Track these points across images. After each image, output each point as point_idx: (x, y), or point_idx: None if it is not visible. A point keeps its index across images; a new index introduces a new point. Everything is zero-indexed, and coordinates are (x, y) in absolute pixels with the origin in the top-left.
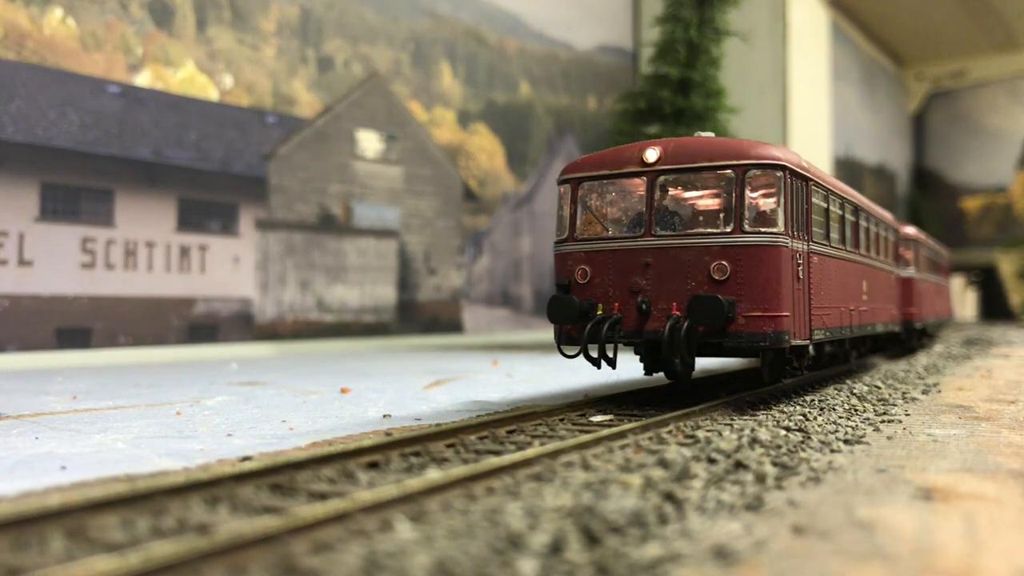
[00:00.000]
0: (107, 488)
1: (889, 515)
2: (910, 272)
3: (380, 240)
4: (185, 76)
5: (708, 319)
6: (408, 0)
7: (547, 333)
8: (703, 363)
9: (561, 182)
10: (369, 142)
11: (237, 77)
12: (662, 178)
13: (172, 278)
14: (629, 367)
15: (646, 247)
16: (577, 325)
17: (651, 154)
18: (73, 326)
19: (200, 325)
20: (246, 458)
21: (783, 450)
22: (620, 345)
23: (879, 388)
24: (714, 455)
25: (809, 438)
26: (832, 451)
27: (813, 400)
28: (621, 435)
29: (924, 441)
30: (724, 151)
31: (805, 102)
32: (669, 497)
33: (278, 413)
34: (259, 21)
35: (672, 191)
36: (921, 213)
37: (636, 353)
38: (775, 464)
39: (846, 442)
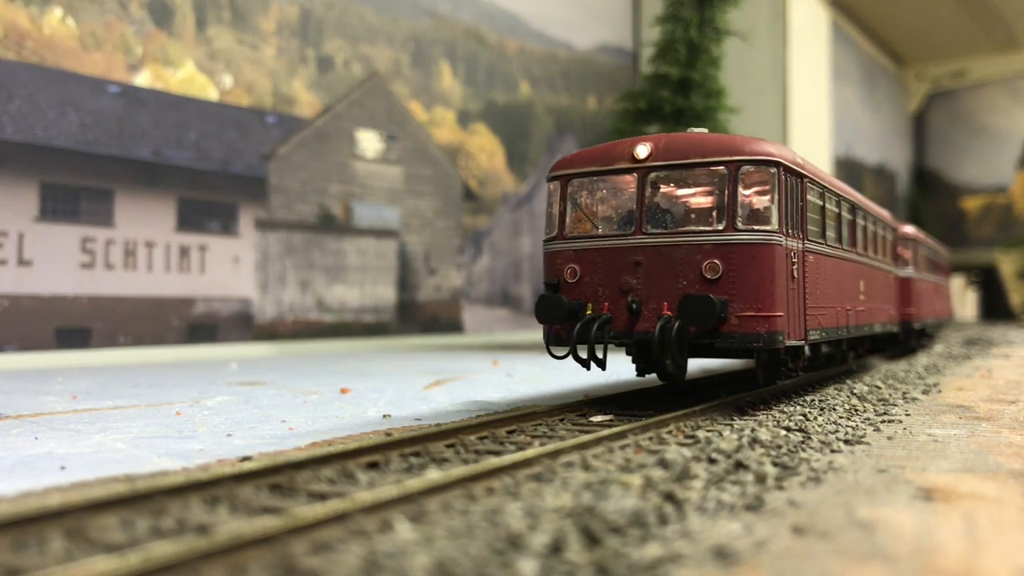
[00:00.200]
0: (107, 488)
1: (889, 515)
2: (909, 272)
3: (380, 240)
4: (185, 76)
5: (699, 319)
6: (408, 0)
7: None
8: (703, 363)
9: (550, 179)
10: (369, 142)
11: (237, 77)
12: (653, 175)
13: (172, 278)
14: (627, 367)
15: (636, 245)
16: (566, 325)
17: (642, 150)
18: (73, 326)
19: (200, 325)
20: (246, 458)
21: (783, 450)
22: (612, 346)
23: (879, 388)
24: (714, 455)
25: (809, 438)
26: (832, 451)
27: (813, 400)
28: (621, 435)
29: (924, 441)
30: (717, 147)
31: (805, 102)
32: (669, 497)
33: (278, 413)
34: (259, 21)
35: (664, 188)
36: (921, 213)
37: (628, 354)
38: (775, 464)
39: (846, 442)
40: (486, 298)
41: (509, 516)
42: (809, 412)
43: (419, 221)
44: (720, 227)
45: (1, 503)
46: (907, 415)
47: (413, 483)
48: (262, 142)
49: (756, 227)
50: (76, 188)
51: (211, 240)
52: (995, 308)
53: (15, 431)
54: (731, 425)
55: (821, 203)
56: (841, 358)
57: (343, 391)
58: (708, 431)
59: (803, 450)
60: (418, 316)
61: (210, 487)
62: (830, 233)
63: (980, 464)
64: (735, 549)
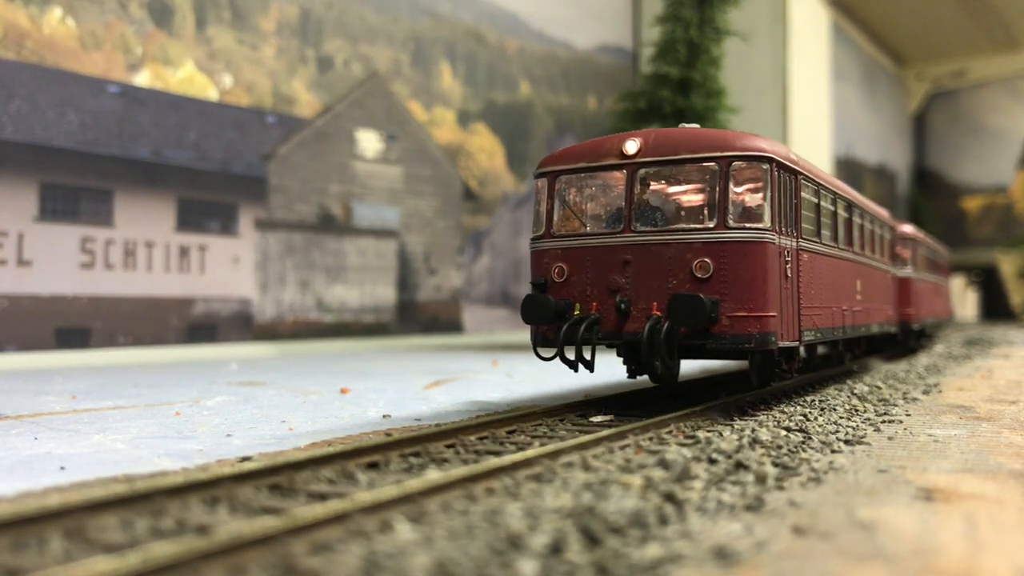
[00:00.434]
0: (106, 488)
1: (890, 515)
2: (907, 272)
3: (380, 240)
4: (185, 76)
5: (689, 319)
6: (408, 0)
7: None
8: (704, 363)
9: (537, 175)
10: (369, 142)
11: (237, 77)
12: (642, 171)
13: (171, 278)
14: (623, 368)
15: (625, 244)
16: (553, 326)
17: (631, 146)
18: (72, 326)
19: (199, 325)
20: (245, 458)
21: (784, 450)
22: (603, 347)
23: (880, 388)
24: (715, 455)
25: (810, 438)
26: (833, 451)
27: (814, 400)
28: (621, 435)
29: (925, 441)
30: (707, 142)
31: (805, 102)
32: (669, 498)
33: (278, 413)
34: (259, 21)
35: (653, 185)
36: (922, 213)
37: (619, 355)
38: (776, 464)
39: (847, 442)
40: (486, 298)
41: (509, 516)
42: (809, 412)
43: (419, 221)
44: (711, 225)
45: (1, 503)
46: (908, 415)
47: (413, 483)
48: (262, 142)
49: (748, 225)
50: (76, 188)
51: (211, 240)
52: (995, 308)
53: (15, 431)
54: (731, 425)
55: (816, 201)
56: (838, 359)
57: (343, 391)
58: (708, 431)
59: (803, 450)
60: (418, 316)
61: (210, 487)
62: (825, 232)
63: (981, 464)
64: (735, 549)
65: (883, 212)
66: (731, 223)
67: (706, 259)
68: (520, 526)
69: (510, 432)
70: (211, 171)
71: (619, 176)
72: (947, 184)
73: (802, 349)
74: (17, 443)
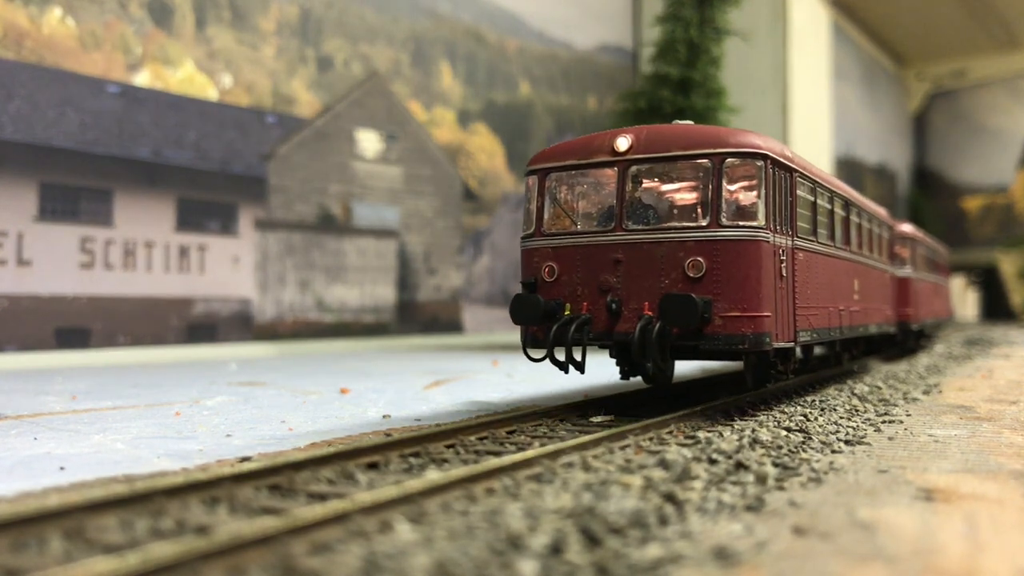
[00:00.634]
0: (106, 489)
1: (890, 516)
2: (906, 271)
3: (380, 240)
4: (184, 76)
5: (681, 320)
6: (408, 0)
7: None
8: (704, 364)
9: (528, 173)
10: (369, 142)
11: (236, 77)
12: (634, 168)
13: (171, 278)
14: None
15: (616, 242)
16: (543, 326)
17: (622, 142)
18: (72, 326)
19: (199, 325)
20: (245, 459)
21: (784, 451)
22: (596, 348)
23: (880, 388)
24: (715, 456)
25: (810, 439)
26: (833, 452)
27: (814, 401)
28: (621, 436)
29: (925, 441)
30: (700, 139)
31: (806, 102)
32: (670, 498)
33: (277, 413)
34: (258, 20)
35: (646, 182)
36: (922, 213)
37: (611, 356)
38: (776, 465)
39: (847, 443)
40: (486, 298)
41: (509, 517)
42: (810, 412)
43: (419, 221)
44: (704, 223)
45: (0, 503)
46: (908, 415)
47: (413, 484)
48: (262, 142)
49: (742, 223)
50: (75, 188)
51: (211, 240)
52: (996, 308)
53: (14, 431)
54: (731, 425)
55: (812, 199)
56: (836, 360)
57: (343, 391)
58: (708, 431)
59: (804, 450)
60: (418, 316)
61: (209, 488)
62: (822, 230)
63: (981, 464)
64: (736, 550)
65: (881, 211)
66: (724, 221)
67: (699, 258)
68: (520, 526)
69: (510, 432)
70: (211, 171)
71: (610, 173)
72: (947, 184)
73: (798, 350)
74: (17, 443)
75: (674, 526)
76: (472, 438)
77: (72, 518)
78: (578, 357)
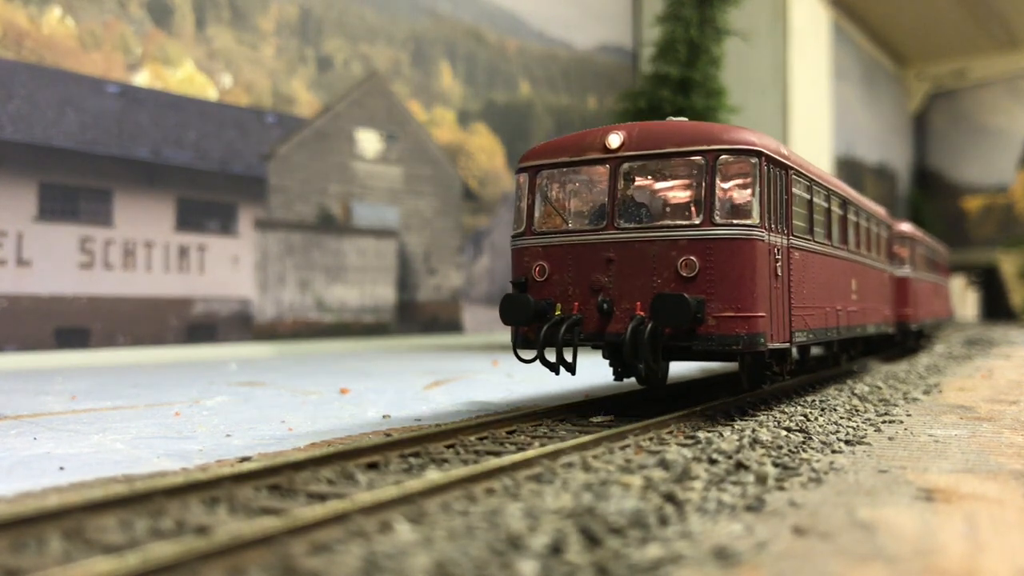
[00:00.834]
0: (105, 489)
1: (890, 516)
2: (905, 271)
3: (379, 240)
4: (184, 76)
5: (674, 320)
6: (408, 0)
7: None
8: (703, 364)
9: (519, 170)
10: (369, 142)
11: (236, 77)
12: (626, 165)
13: (171, 278)
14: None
15: (608, 241)
16: (534, 327)
17: (614, 139)
18: (72, 326)
19: (199, 325)
20: (245, 459)
21: (784, 451)
22: (589, 348)
23: (880, 388)
24: (715, 456)
25: (810, 438)
26: (833, 452)
27: (814, 400)
28: (621, 436)
29: (925, 441)
30: (693, 135)
31: (806, 101)
32: (670, 498)
33: (277, 414)
34: (258, 20)
35: (638, 180)
36: (922, 213)
37: (604, 357)
38: (776, 465)
39: (847, 443)
40: (486, 298)
41: (509, 517)
42: (810, 412)
43: (419, 221)
44: (697, 221)
45: (0, 503)
46: (908, 415)
47: (413, 484)
48: (261, 142)
49: (736, 221)
50: (75, 188)
51: (210, 240)
52: (996, 308)
53: (14, 431)
54: (732, 425)
55: (808, 197)
56: (833, 361)
57: (343, 391)
58: (708, 431)
59: (804, 450)
60: (418, 316)
61: (209, 488)
62: (818, 229)
63: (981, 465)
64: (736, 550)
65: (880, 210)
66: (718, 219)
67: (692, 257)
68: (520, 526)
69: (510, 432)
70: (210, 171)
71: (602, 171)
72: (947, 184)
73: (794, 351)
74: (16, 443)
75: (674, 526)
76: (472, 438)
77: (71, 518)
78: (569, 358)
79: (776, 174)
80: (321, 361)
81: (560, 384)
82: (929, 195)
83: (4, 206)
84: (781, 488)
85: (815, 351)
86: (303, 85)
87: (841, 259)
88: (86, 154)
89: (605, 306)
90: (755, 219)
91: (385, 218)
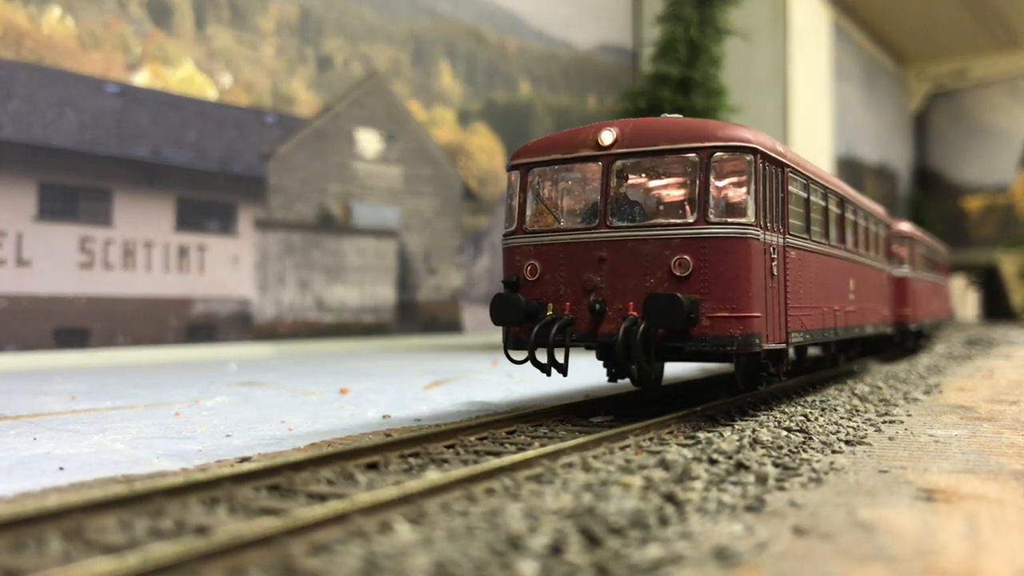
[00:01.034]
0: (105, 489)
1: (891, 516)
2: (904, 271)
3: (379, 240)
4: (184, 75)
5: (667, 320)
6: None
7: None
8: (703, 365)
9: (510, 168)
10: (368, 142)
11: (236, 76)
12: (619, 163)
13: (171, 278)
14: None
15: (600, 240)
16: (525, 327)
17: (607, 136)
18: (71, 326)
19: (199, 325)
20: (245, 459)
21: (784, 451)
22: (582, 349)
23: (880, 389)
24: (715, 456)
25: (810, 439)
26: (833, 452)
27: (814, 401)
28: (621, 436)
29: (926, 442)
30: (687, 132)
31: (806, 101)
32: (670, 498)
33: (277, 414)
34: (258, 20)
35: (632, 177)
36: (922, 213)
37: (598, 358)
38: (776, 465)
39: (847, 443)
40: (486, 298)
41: (509, 517)
42: (810, 413)
43: (419, 221)
44: (691, 220)
45: (0, 504)
46: (908, 416)
47: (413, 484)
48: (261, 142)
49: (730, 220)
50: (75, 188)
51: (210, 240)
52: (996, 308)
53: (14, 432)
54: (732, 426)
55: (805, 195)
56: (831, 361)
57: (343, 391)
58: (709, 432)
59: (804, 451)
60: (418, 316)
61: (209, 488)
62: (815, 228)
63: (982, 465)
64: (736, 550)
65: (878, 209)
66: (712, 218)
67: (685, 256)
68: (520, 527)
69: (510, 432)
70: (210, 171)
71: (595, 168)
72: (948, 184)
73: (791, 351)
74: (16, 443)
75: (674, 526)
76: (472, 438)
77: (71, 518)
78: (561, 359)
79: (772, 172)
80: (321, 361)
81: (560, 384)
82: (929, 195)
83: (4, 206)
84: (781, 488)
85: (812, 352)
86: (303, 85)
87: (838, 258)
88: (86, 154)
89: (597, 306)
90: (750, 217)
91: (385, 218)
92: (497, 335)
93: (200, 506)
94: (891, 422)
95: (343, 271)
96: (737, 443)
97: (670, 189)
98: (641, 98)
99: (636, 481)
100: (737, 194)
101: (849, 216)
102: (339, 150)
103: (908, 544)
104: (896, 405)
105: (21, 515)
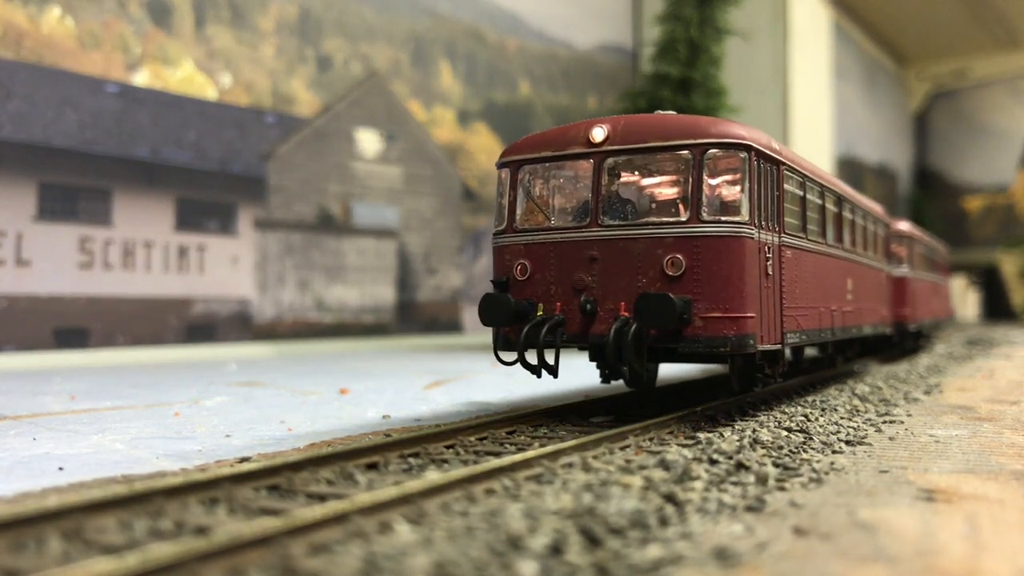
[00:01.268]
0: (105, 489)
1: (891, 516)
2: (903, 271)
3: (379, 240)
4: (183, 75)
5: (659, 321)
6: None
7: None
8: (703, 365)
9: (499, 165)
10: (368, 142)
11: (236, 76)
12: (611, 160)
13: (170, 278)
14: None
15: (591, 239)
16: (515, 328)
17: (598, 133)
18: (71, 326)
19: (198, 325)
20: (244, 459)
21: (785, 451)
22: (575, 350)
23: (881, 389)
24: (715, 456)
25: (811, 439)
26: (834, 452)
27: (815, 401)
28: (621, 436)
29: (926, 442)
30: (680, 129)
31: (806, 101)
32: (670, 498)
33: (277, 414)
34: (258, 20)
35: (624, 175)
36: (923, 213)
37: (591, 359)
38: (777, 465)
39: (848, 443)
40: None
41: (509, 517)
42: (810, 413)
43: (419, 221)
44: (683, 218)
45: None
46: (909, 416)
47: (412, 484)
48: (261, 142)
49: (724, 218)
50: (74, 188)
51: (210, 240)
52: (997, 308)
53: (13, 432)
54: (732, 426)
55: (801, 193)
56: (828, 362)
57: (342, 392)
58: (709, 432)
59: (804, 451)
60: (417, 316)
61: (208, 488)
62: (812, 227)
63: (982, 465)
64: (736, 550)
65: (877, 208)
66: (705, 216)
67: (678, 255)
68: (520, 527)
69: (510, 433)
70: (210, 171)
71: (586, 166)
72: (948, 184)
73: (788, 352)
74: (16, 444)
75: (674, 527)
76: (472, 438)
77: (71, 519)
78: (551, 360)
79: (767, 169)
80: (321, 361)
81: (560, 385)
82: (930, 195)
83: (3, 206)
84: (782, 488)
85: (809, 352)
86: (303, 85)
87: (836, 258)
88: (85, 154)
89: (588, 306)
90: (744, 216)
91: (385, 218)
92: None
93: (200, 506)
94: (891, 422)
95: (343, 271)
96: (737, 443)
97: (663, 187)
98: (641, 98)
99: (636, 481)
100: (731, 192)
101: (847, 215)
102: (339, 150)
103: (908, 544)
104: (896, 405)
105: (21, 515)
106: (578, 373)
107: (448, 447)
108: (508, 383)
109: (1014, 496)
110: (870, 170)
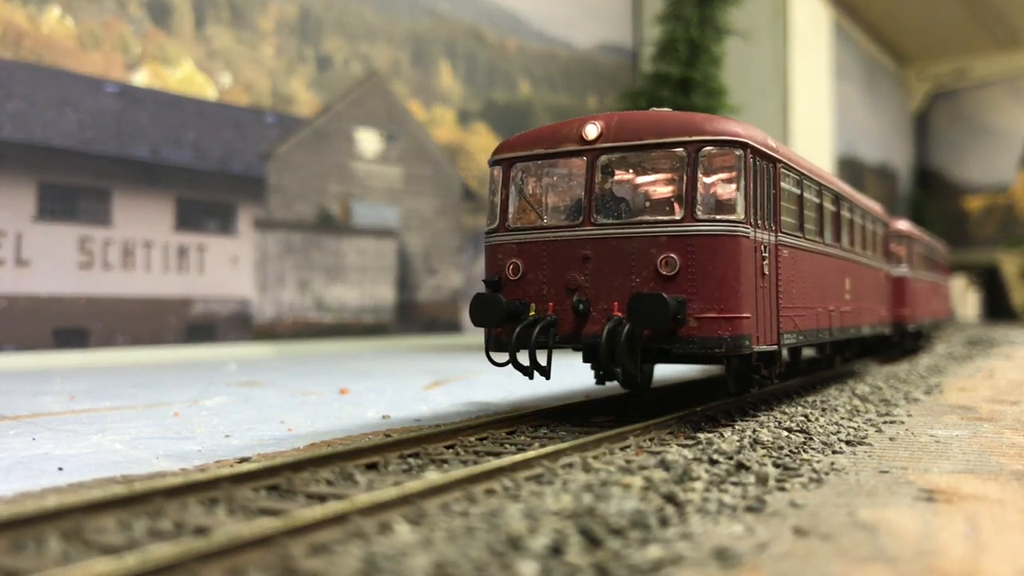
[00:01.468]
0: (104, 489)
1: (891, 516)
2: (902, 270)
3: (379, 240)
4: (183, 75)
5: (652, 321)
6: None
7: None
8: (703, 365)
9: (492, 163)
10: (368, 142)
11: (236, 76)
12: (604, 158)
13: (170, 278)
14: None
15: (584, 238)
16: (507, 328)
17: (591, 130)
18: (71, 326)
19: (198, 325)
20: (244, 459)
21: (785, 451)
22: (571, 350)
23: (881, 389)
24: (716, 456)
25: (811, 439)
26: (834, 452)
27: (815, 401)
28: (622, 436)
29: (926, 442)
30: (675, 126)
31: (807, 101)
32: (670, 499)
33: (277, 414)
34: (258, 20)
35: (618, 173)
36: (923, 213)
37: (584, 360)
38: (777, 465)
39: (848, 443)
40: None
41: (509, 518)
42: (811, 413)
43: (419, 221)
44: (678, 217)
45: None
46: (909, 416)
47: (412, 484)
48: (261, 141)
49: (719, 217)
50: (74, 188)
51: (209, 240)
52: (997, 308)
53: (13, 432)
54: (732, 426)
55: (799, 192)
56: (827, 363)
57: (342, 392)
58: (709, 432)
59: (805, 451)
60: (417, 316)
61: (208, 488)
62: (809, 226)
63: (982, 465)
64: (736, 551)
65: (876, 207)
66: (700, 215)
67: (672, 255)
68: (520, 527)
69: (510, 433)
70: (210, 171)
71: (579, 163)
72: (948, 184)
73: (784, 353)
74: (15, 444)
75: (675, 527)
76: (472, 439)
77: (70, 519)
78: (543, 361)
79: (763, 167)
80: (320, 361)
81: (560, 385)
82: (930, 195)
83: (3, 206)
84: (782, 489)
85: (807, 353)
86: (303, 85)
87: (834, 257)
88: (85, 154)
89: (581, 306)
90: (739, 215)
91: (385, 218)
92: None
93: (199, 507)
94: (892, 422)
95: (343, 271)
96: (737, 443)
97: (657, 185)
98: (641, 98)
99: (636, 481)
100: (726, 190)
101: (845, 214)
102: (339, 150)
103: (909, 545)
104: (897, 405)
105: (20, 515)
106: (578, 373)
107: (448, 447)
108: (508, 383)
109: (1014, 496)
110: (870, 170)
